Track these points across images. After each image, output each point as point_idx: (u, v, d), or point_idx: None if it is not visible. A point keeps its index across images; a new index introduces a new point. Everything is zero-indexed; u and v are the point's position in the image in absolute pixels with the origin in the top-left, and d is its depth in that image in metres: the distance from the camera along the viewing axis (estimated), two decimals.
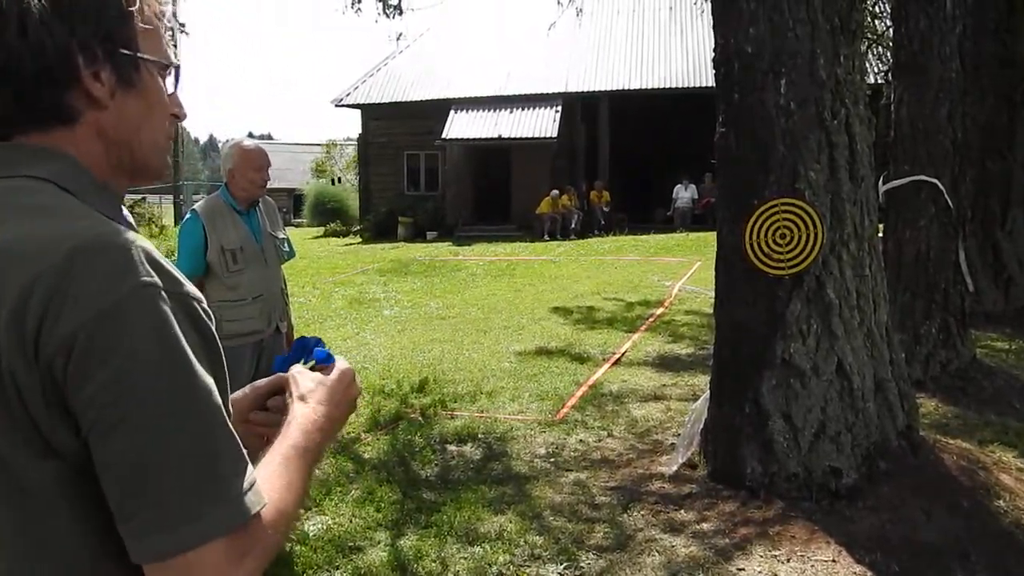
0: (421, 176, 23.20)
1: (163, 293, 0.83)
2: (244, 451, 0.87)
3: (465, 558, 3.30)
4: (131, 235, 0.87)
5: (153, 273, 0.84)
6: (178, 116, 1.04)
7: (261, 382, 1.16)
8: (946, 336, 5.56)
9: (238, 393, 1.13)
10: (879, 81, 12.08)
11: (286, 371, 1.11)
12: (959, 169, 5.71)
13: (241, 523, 0.82)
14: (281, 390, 1.12)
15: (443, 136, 20.87)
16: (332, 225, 25.49)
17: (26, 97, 0.90)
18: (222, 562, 0.81)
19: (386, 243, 20.04)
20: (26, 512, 0.85)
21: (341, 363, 1.11)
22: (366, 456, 4.56)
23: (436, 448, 4.63)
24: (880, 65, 13.67)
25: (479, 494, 3.93)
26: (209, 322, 0.89)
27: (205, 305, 0.90)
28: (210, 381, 0.85)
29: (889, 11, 8.15)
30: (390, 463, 4.43)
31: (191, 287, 0.89)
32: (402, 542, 3.47)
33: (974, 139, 7.54)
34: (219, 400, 0.85)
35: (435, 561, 3.28)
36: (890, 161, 5.85)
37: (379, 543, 3.48)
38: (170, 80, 1.01)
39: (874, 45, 11.88)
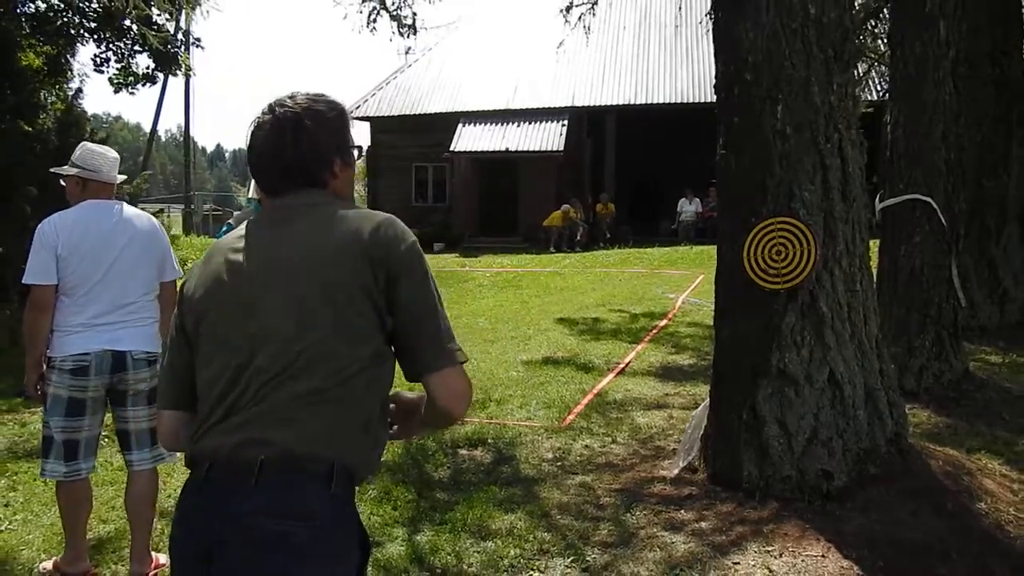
0: (429, 188, 23.50)
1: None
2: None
3: (478, 552, 3.52)
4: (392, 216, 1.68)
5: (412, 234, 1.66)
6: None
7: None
8: (939, 349, 5.76)
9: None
10: (882, 99, 12.35)
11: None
12: (952, 188, 5.93)
13: (464, 361, 1.63)
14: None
15: (451, 149, 21.17)
16: None
17: (307, 176, 1.71)
18: (463, 378, 1.61)
19: None
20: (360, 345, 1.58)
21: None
22: (382, 459, 4.77)
23: (448, 452, 4.85)
24: (883, 84, 13.93)
25: (490, 494, 4.15)
26: None
27: None
28: None
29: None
30: (405, 465, 4.65)
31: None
32: (418, 537, 3.69)
33: (970, 158, 7.77)
34: None
35: (450, 555, 3.50)
36: (886, 180, 6.08)
37: (397, 538, 3.70)
38: (355, 153, 1.80)
39: (876, 65, 12.13)
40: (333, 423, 1.51)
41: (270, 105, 1.72)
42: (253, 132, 1.72)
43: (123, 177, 3.71)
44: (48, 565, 3.58)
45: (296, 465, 1.47)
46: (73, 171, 3.45)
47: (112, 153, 3.58)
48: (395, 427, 1.78)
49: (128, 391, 3.41)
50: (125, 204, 3.57)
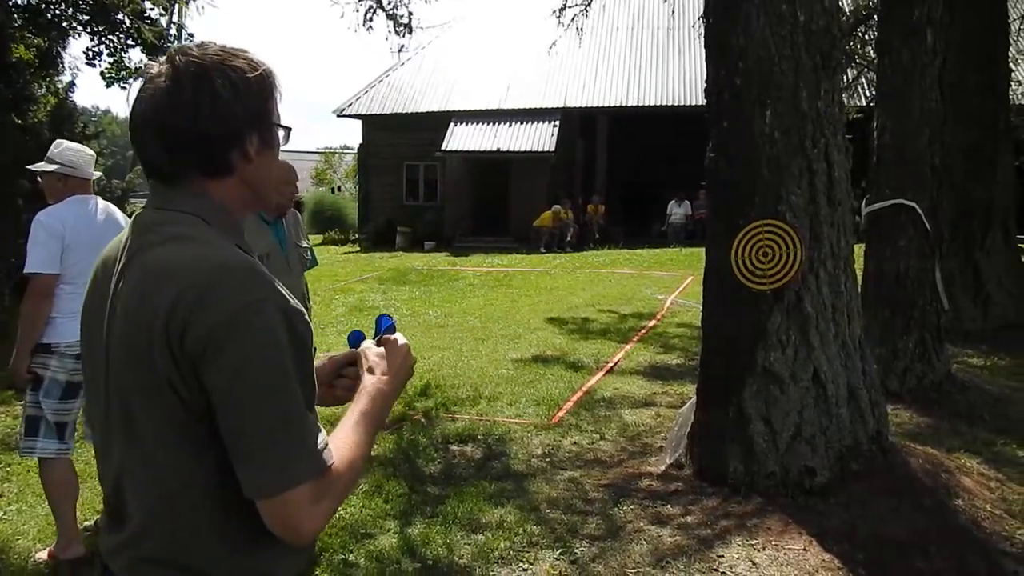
0: (420, 187, 23.54)
1: (264, 303, 1.17)
2: (319, 423, 1.21)
3: (469, 544, 3.59)
4: (248, 260, 1.22)
5: (261, 288, 1.18)
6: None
7: (338, 354, 1.51)
8: (922, 351, 5.87)
9: (318, 361, 1.45)
10: (871, 104, 12.48)
11: (358, 346, 1.45)
12: (937, 193, 6.03)
13: (319, 471, 1.16)
14: (354, 362, 1.45)
15: (443, 148, 21.22)
16: (331, 233, 25.84)
17: (205, 155, 1.26)
18: (307, 500, 1.15)
19: (384, 252, 20.35)
20: (158, 454, 1.20)
21: (400, 338, 1.43)
22: (374, 453, 4.84)
23: (439, 448, 4.92)
24: (873, 89, 14.08)
25: (480, 489, 4.22)
26: (303, 326, 1.22)
27: (302, 314, 1.22)
28: (295, 375, 1.18)
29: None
30: (396, 460, 4.71)
31: (294, 302, 1.22)
32: (410, 530, 3.76)
33: (957, 164, 7.90)
34: (300, 390, 1.18)
35: (441, 547, 3.57)
36: (872, 184, 6.18)
37: (389, 530, 3.77)
38: (282, 135, 1.35)
39: (865, 71, 12.26)
40: (173, 551, 1.24)
41: (169, 53, 1.28)
42: (140, 89, 1.27)
43: (98, 173, 3.84)
44: (43, 555, 3.63)
45: None
46: (53, 168, 3.59)
47: (88, 150, 3.76)
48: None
49: None
50: (99, 199, 3.74)
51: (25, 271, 3.45)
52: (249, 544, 1.23)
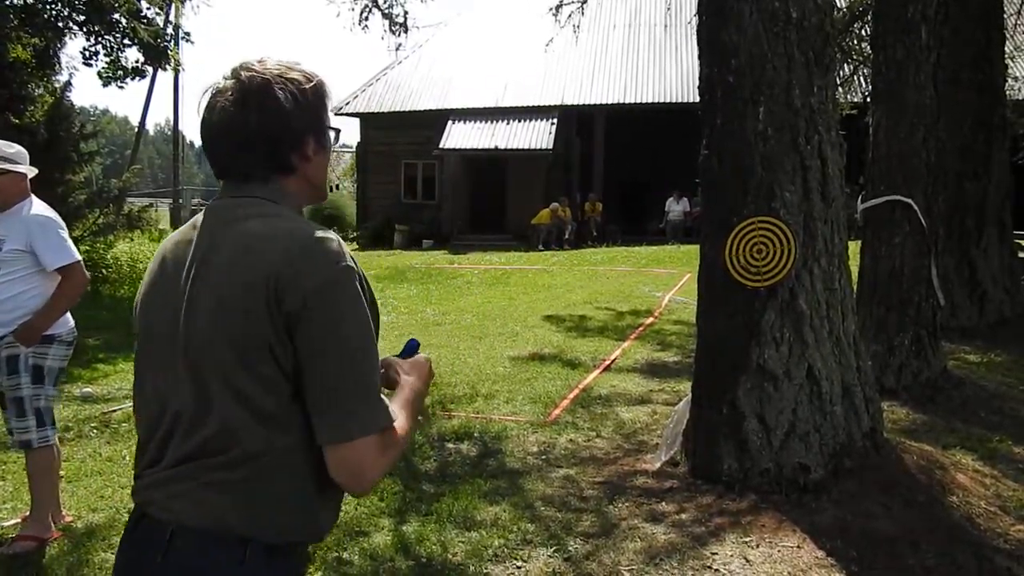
0: (418, 185, 23.53)
1: (352, 271, 1.35)
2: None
3: (463, 542, 3.60)
4: (330, 232, 1.39)
5: (347, 258, 1.35)
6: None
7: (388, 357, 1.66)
8: (918, 348, 5.87)
9: None
10: (866, 100, 12.47)
11: (413, 353, 1.67)
12: (932, 190, 6.04)
13: (388, 424, 1.34)
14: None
15: (441, 146, 21.22)
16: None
17: (271, 156, 1.44)
18: (375, 450, 1.31)
19: (382, 250, 20.36)
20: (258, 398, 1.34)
21: (422, 356, 1.65)
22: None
23: (435, 445, 4.92)
24: (869, 86, 14.07)
25: (475, 486, 4.22)
26: (372, 294, 1.42)
27: (368, 282, 1.41)
28: (375, 336, 1.39)
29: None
30: None
31: (359, 267, 1.39)
32: (405, 528, 3.77)
33: (952, 161, 7.91)
34: (376, 348, 1.38)
35: (436, 544, 3.58)
36: (867, 181, 6.18)
37: (383, 528, 3.78)
38: (333, 136, 1.54)
39: (861, 67, 12.25)
40: (243, 497, 1.33)
41: (234, 69, 1.45)
42: (211, 99, 1.44)
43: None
44: (31, 544, 3.69)
45: (206, 539, 1.33)
46: (23, 169, 3.71)
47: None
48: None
49: None
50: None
51: (69, 261, 3.65)
52: (315, 503, 1.38)
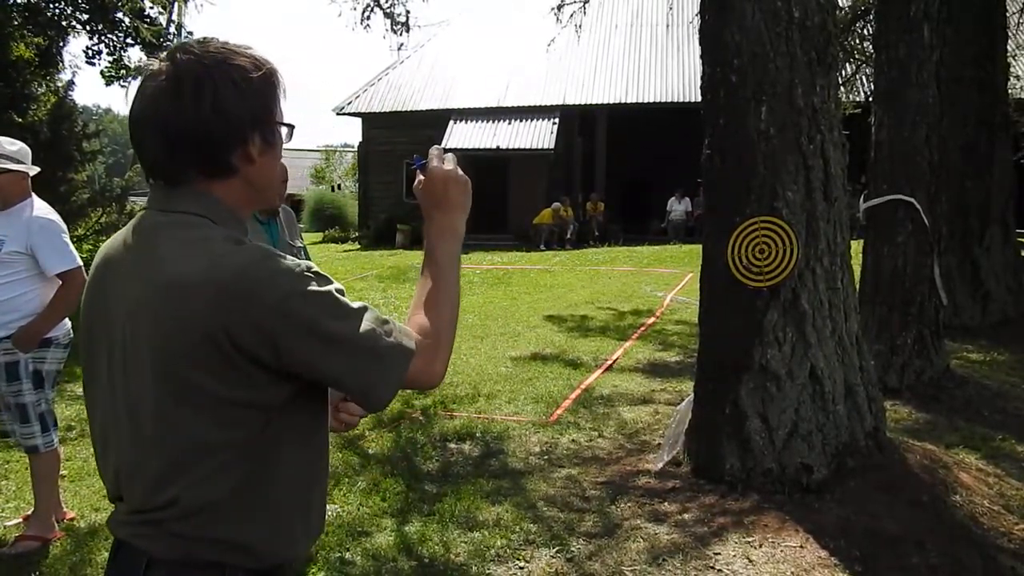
0: None
1: (296, 282, 1.19)
2: (386, 317, 1.26)
3: (465, 542, 3.60)
4: (258, 250, 1.22)
5: (266, 267, 1.18)
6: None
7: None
8: (921, 347, 5.87)
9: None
10: (869, 100, 12.46)
11: (424, 168, 1.44)
12: (935, 189, 6.03)
13: (413, 353, 1.25)
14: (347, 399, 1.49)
15: (442, 146, 21.15)
16: (331, 231, 25.85)
17: (206, 156, 1.24)
18: (420, 375, 1.27)
19: (384, 250, 20.35)
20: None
21: (437, 171, 1.42)
22: (371, 451, 4.85)
23: (437, 445, 4.92)
24: (871, 85, 14.06)
25: (477, 487, 4.22)
26: (321, 274, 1.25)
27: (314, 267, 1.25)
28: (343, 300, 1.22)
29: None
30: (394, 458, 4.71)
31: (304, 263, 1.23)
32: (407, 528, 3.77)
33: (954, 160, 7.88)
34: (352, 305, 1.22)
35: (438, 544, 3.57)
36: (870, 180, 6.17)
37: (386, 528, 3.77)
38: (285, 133, 1.32)
39: (864, 66, 12.24)
40: (210, 534, 1.25)
41: (170, 50, 1.24)
42: (141, 83, 1.24)
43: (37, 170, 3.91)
44: (33, 544, 3.70)
45: (182, 570, 1.25)
46: (25, 168, 3.67)
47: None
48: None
49: None
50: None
51: (70, 266, 3.61)
52: (293, 528, 1.31)
